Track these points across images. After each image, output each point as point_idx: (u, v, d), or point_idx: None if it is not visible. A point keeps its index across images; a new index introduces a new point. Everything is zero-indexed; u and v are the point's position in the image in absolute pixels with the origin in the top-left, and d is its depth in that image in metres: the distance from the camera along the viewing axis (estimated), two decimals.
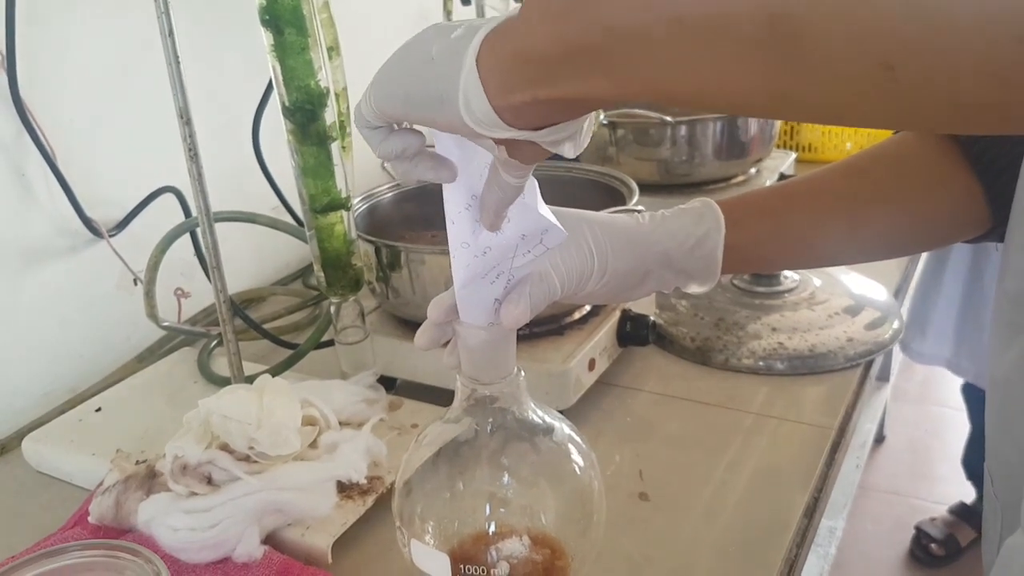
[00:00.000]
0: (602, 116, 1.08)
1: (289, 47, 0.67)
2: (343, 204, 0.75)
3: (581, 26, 0.32)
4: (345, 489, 0.68)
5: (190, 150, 0.68)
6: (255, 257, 1.13)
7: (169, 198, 0.94)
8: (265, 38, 0.68)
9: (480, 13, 1.06)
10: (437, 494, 0.57)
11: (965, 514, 1.97)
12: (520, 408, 0.56)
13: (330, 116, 0.71)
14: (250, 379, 0.81)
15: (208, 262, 0.73)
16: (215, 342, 0.91)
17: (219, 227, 0.84)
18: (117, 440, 0.76)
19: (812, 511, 0.68)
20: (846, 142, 1.47)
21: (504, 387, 0.55)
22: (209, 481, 0.64)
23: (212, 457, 0.63)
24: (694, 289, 0.59)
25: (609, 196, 0.86)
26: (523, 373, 0.55)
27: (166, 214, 0.93)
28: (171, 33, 0.64)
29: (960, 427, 2.08)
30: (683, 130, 1.09)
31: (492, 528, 0.56)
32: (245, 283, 1.12)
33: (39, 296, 0.86)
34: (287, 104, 0.70)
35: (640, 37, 0.31)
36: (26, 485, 0.77)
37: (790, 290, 0.92)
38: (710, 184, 1.14)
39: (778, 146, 1.26)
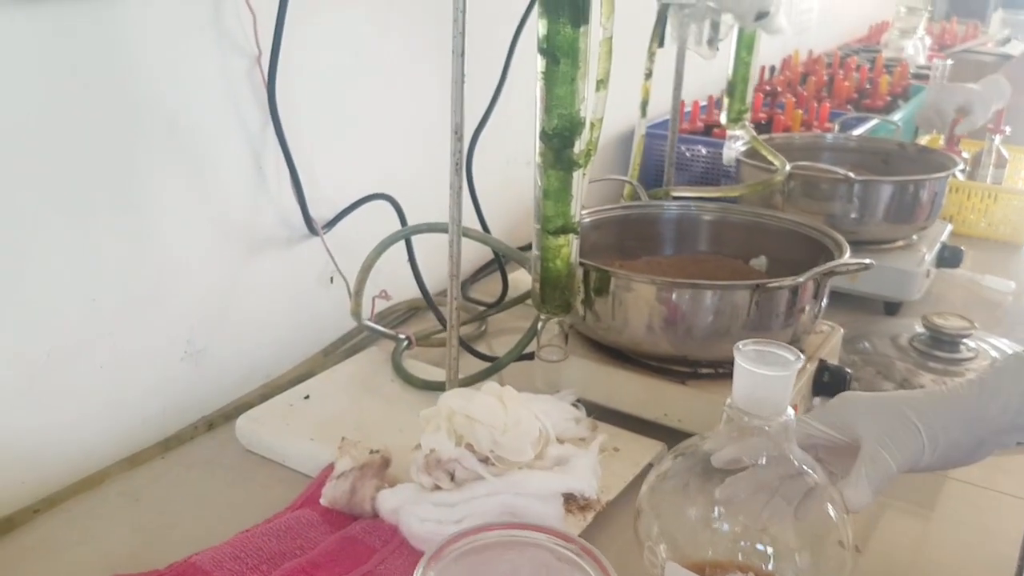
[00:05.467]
0: (787, 167, 1.10)
1: (561, 76, 0.71)
2: (573, 228, 0.78)
3: None
4: (566, 502, 0.70)
5: (456, 164, 0.71)
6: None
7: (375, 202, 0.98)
8: (538, 64, 0.71)
9: (681, 56, 1.09)
10: (692, 520, 0.59)
11: None
12: (786, 448, 0.58)
13: (579, 144, 0.75)
14: (441, 385, 0.85)
15: (450, 271, 0.76)
16: (405, 344, 0.95)
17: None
18: (330, 427, 0.80)
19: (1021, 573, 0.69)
20: (980, 220, 1.49)
21: (775, 425, 0.57)
22: (452, 478, 0.67)
23: (460, 455, 0.66)
24: None
25: (814, 250, 0.88)
26: (793, 414, 0.57)
27: (368, 218, 0.97)
28: (462, 53, 0.68)
29: None
30: (857, 188, 1.11)
31: (740, 558, 0.58)
32: (409, 292, 1.16)
33: (255, 282, 0.90)
34: (546, 129, 0.73)
35: None
36: (237, 463, 0.81)
37: (969, 359, 0.94)
38: (871, 244, 1.15)
39: None
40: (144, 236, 0.78)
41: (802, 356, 0.56)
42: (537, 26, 0.70)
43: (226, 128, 0.83)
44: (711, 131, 1.54)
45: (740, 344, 0.57)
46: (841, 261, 0.77)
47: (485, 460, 0.68)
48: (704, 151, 1.47)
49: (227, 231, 0.85)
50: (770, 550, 0.57)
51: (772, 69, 2.09)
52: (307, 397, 0.85)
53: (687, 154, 1.49)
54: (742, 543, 0.57)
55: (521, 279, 1.12)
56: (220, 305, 0.86)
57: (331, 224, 0.95)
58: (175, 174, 0.79)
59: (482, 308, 1.11)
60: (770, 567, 0.57)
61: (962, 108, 1.53)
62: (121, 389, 0.79)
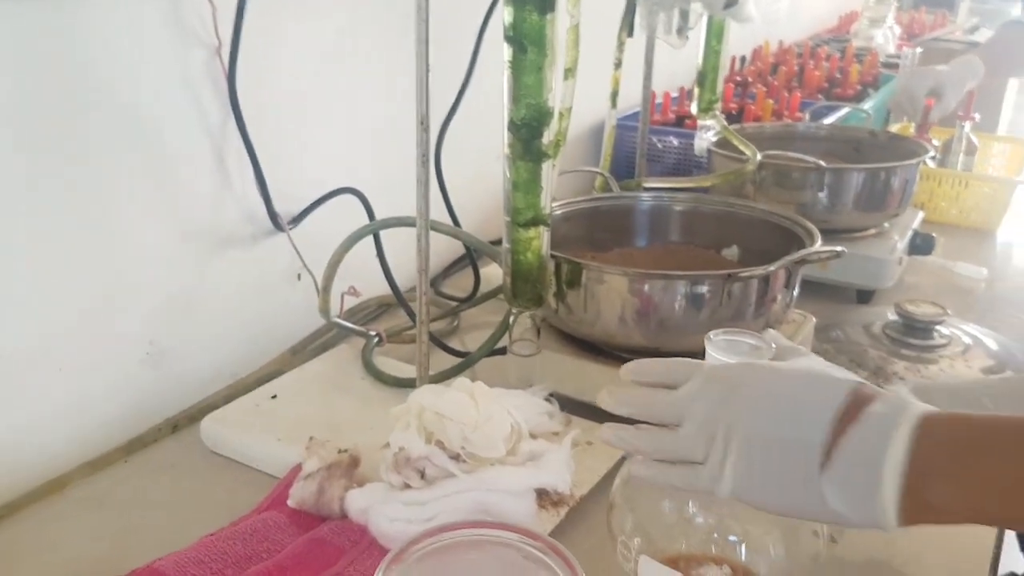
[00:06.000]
0: (758, 156, 1.10)
1: (529, 65, 0.70)
2: (544, 220, 0.77)
3: None
4: (539, 498, 0.69)
5: (423, 156, 0.70)
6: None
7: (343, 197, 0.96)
8: (505, 53, 0.70)
9: (650, 45, 1.08)
10: (665, 513, 0.58)
11: None
12: None
13: (548, 135, 0.73)
14: (412, 382, 0.83)
15: (418, 265, 0.75)
16: (376, 341, 0.93)
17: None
18: (298, 427, 0.78)
19: (996, 564, 0.69)
20: (951, 207, 1.49)
21: None
22: (422, 476, 0.66)
23: (430, 453, 0.65)
24: None
25: (785, 239, 0.88)
26: None
27: (335, 213, 0.95)
28: (426, 41, 0.67)
29: None
30: (828, 176, 1.11)
31: (714, 551, 0.57)
32: (379, 288, 1.14)
33: (219, 280, 0.88)
34: (514, 119, 0.72)
35: None
36: (202, 465, 0.79)
37: (943, 345, 0.94)
38: (843, 233, 1.15)
39: None
40: (103, 234, 0.76)
41: (773, 344, 0.55)
42: (503, 14, 0.69)
43: (186, 122, 0.81)
44: (682, 122, 1.54)
45: (711, 334, 0.56)
46: (812, 249, 0.76)
47: (456, 457, 0.67)
48: (676, 142, 1.47)
49: (189, 228, 0.83)
50: (743, 542, 0.56)
51: (743, 60, 2.09)
52: (274, 397, 0.84)
53: (659, 145, 1.48)
54: (715, 535, 0.57)
55: (493, 273, 1.11)
56: (183, 304, 0.84)
57: (297, 220, 0.94)
58: (134, 170, 0.77)
59: (454, 303, 1.10)
60: (743, 558, 0.56)
61: (933, 91, 1.53)
62: (81, 391, 0.77)
